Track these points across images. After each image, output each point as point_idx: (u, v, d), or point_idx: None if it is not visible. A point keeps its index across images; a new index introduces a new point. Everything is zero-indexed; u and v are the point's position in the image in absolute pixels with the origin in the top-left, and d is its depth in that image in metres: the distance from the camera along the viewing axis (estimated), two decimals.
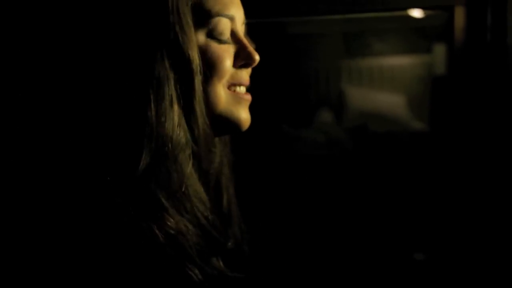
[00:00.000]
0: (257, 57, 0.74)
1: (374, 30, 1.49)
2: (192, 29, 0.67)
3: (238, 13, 0.74)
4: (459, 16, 1.16)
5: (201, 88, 0.68)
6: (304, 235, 1.56)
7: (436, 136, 1.48)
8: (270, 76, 1.56)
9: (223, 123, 0.73)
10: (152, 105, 0.63)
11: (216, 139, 0.83)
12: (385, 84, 1.59)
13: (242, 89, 0.76)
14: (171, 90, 0.65)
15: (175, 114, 0.65)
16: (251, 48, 0.74)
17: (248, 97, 0.76)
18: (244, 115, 0.74)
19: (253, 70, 0.81)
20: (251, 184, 1.57)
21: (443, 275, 1.44)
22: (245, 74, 0.76)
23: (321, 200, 1.59)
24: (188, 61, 0.66)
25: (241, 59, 0.74)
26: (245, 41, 0.74)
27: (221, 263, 0.72)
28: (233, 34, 0.74)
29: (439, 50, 1.37)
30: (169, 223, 0.63)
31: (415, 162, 1.56)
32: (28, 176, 0.66)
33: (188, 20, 0.67)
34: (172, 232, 0.63)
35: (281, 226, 1.55)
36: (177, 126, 0.65)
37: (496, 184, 1.24)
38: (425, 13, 1.35)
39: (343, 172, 1.64)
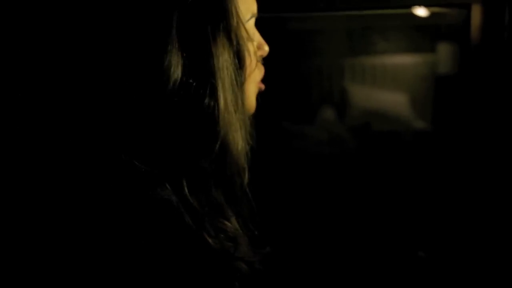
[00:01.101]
0: (267, 48, 0.75)
1: (379, 28, 1.48)
2: (245, 28, 0.65)
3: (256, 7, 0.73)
4: (476, 14, 1.15)
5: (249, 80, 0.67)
6: (308, 232, 1.55)
7: (439, 135, 1.48)
8: (273, 73, 1.54)
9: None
10: (221, 111, 0.60)
11: None
12: (389, 83, 1.59)
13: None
14: (232, 84, 0.63)
15: (236, 115, 0.63)
16: (262, 40, 0.74)
17: (263, 86, 0.76)
18: (254, 101, 0.74)
19: None
20: (253, 181, 1.56)
21: (445, 273, 1.45)
22: (260, 65, 0.75)
23: (324, 198, 1.58)
24: (244, 55, 0.64)
25: (257, 52, 0.73)
26: (258, 34, 0.74)
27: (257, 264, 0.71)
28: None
29: (447, 49, 1.37)
30: (226, 226, 0.63)
31: (418, 161, 1.56)
32: (70, 174, 0.63)
33: (241, 18, 0.65)
34: (230, 234, 0.62)
35: (285, 224, 1.53)
36: (237, 128, 0.63)
37: (499, 184, 1.25)
38: (431, 11, 1.35)
39: (346, 170, 1.63)
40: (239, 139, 0.63)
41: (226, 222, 0.63)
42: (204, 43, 0.60)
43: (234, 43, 0.63)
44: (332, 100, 1.66)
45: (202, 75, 0.60)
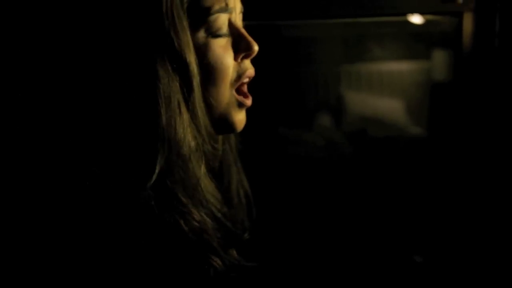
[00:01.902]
0: (256, 47, 0.75)
1: (374, 35, 1.50)
2: (188, 32, 0.67)
3: (236, 3, 0.75)
4: (468, 22, 1.17)
5: (200, 89, 0.69)
6: (303, 238, 1.56)
7: (435, 142, 1.50)
8: (269, 79, 1.56)
9: (220, 124, 0.75)
10: (162, 111, 0.64)
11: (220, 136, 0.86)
12: (383, 89, 1.60)
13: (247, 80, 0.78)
14: (177, 94, 0.65)
15: (184, 117, 0.66)
16: (249, 38, 0.75)
17: (249, 102, 0.78)
18: (241, 117, 0.77)
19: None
20: (250, 187, 1.57)
21: (442, 278, 1.45)
22: (248, 64, 0.77)
23: (320, 204, 1.59)
24: (185, 65, 0.66)
25: (242, 50, 0.75)
26: (243, 31, 0.75)
27: (235, 253, 0.75)
28: (231, 25, 0.74)
29: (442, 56, 1.38)
30: (193, 216, 0.65)
31: (414, 167, 1.57)
32: (53, 179, 0.66)
33: (184, 23, 0.67)
34: (196, 224, 0.65)
35: (280, 229, 1.54)
36: (187, 129, 0.66)
37: (495, 189, 1.26)
38: (425, 19, 1.36)
39: (342, 176, 1.64)
40: (188, 137, 0.67)
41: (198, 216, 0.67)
42: (141, 61, 0.65)
43: (173, 58, 0.66)
44: (328, 106, 1.67)
45: (145, 93, 0.64)
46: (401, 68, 1.52)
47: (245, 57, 0.76)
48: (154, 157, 0.63)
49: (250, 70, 0.77)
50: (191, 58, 0.67)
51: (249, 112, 0.81)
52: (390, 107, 1.60)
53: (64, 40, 0.69)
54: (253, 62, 0.79)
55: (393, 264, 1.54)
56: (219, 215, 0.73)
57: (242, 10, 0.78)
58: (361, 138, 1.64)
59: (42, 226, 0.62)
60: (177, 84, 0.66)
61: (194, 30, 0.69)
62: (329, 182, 1.62)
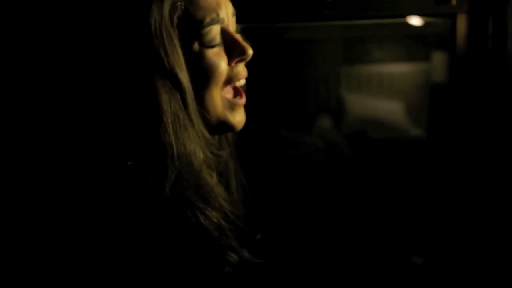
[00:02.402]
0: (250, 51, 0.77)
1: (373, 37, 1.51)
2: (179, 49, 0.70)
3: (228, 10, 0.76)
4: (461, 23, 1.18)
5: (194, 103, 0.71)
6: (303, 240, 1.57)
7: (434, 143, 1.50)
8: (269, 81, 1.57)
9: (219, 126, 0.77)
10: (168, 128, 0.67)
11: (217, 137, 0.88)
12: (385, 91, 1.61)
13: (242, 82, 0.80)
14: (179, 109, 0.69)
15: (189, 131, 0.69)
16: (243, 42, 0.76)
17: (243, 101, 0.80)
18: (238, 118, 0.79)
19: (253, 75, 0.83)
20: (250, 189, 1.58)
21: (441, 279, 1.45)
22: (241, 68, 0.79)
23: (319, 205, 1.60)
24: (178, 83, 0.69)
25: (235, 56, 0.76)
26: (236, 36, 0.76)
27: (247, 252, 0.77)
28: (224, 32, 0.75)
29: (439, 58, 1.39)
30: (210, 217, 0.68)
31: (413, 168, 1.58)
32: (66, 179, 0.69)
33: (174, 41, 0.69)
34: (213, 224, 0.68)
35: (280, 231, 1.55)
36: (193, 140, 0.70)
37: (494, 190, 1.26)
38: (424, 21, 1.37)
39: (342, 177, 1.64)
40: (196, 150, 0.69)
41: (214, 213, 0.70)
42: (139, 81, 0.68)
43: (167, 76, 0.69)
44: (328, 108, 1.68)
45: (150, 113, 0.68)
46: (396, 69, 1.52)
47: (240, 61, 0.78)
48: (165, 171, 0.65)
49: (242, 73, 0.79)
50: (182, 76, 0.69)
51: (250, 114, 0.82)
52: (387, 108, 1.61)
53: (66, 58, 0.72)
54: (253, 64, 0.80)
55: (393, 265, 1.54)
56: (232, 217, 0.75)
57: (235, 13, 0.79)
58: (361, 139, 1.65)
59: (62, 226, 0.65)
60: (179, 100, 0.69)
61: (187, 44, 0.71)
62: (329, 183, 1.63)
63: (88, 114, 0.71)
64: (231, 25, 0.78)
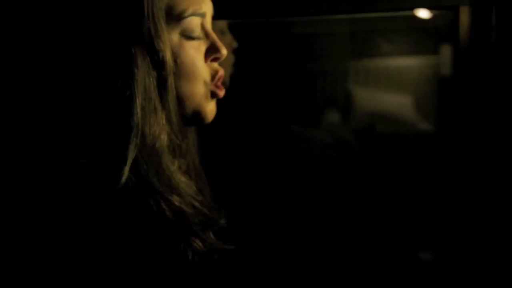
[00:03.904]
0: (224, 51, 0.81)
1: (380, 30, 1.49)
2: (166, 32, 0.72)
3: (208, 7, 0.80)
4: (464, 16, 1.16)
5: (174, 86, 0.73)
6: (310, 235, 1.57)
7: (443, 137, 1.48)
8: (276, 76, 1.57)
9: (192, 117, 0.80)
10: (138, 107, 0.68)
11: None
12: (392, 85, 1.59)
13: (221, 77, 0.82)
14: (153, 91, 0.70)
15: (159, 114, 0.70)
16: (219, 42, 0.80)
17: (222, 92, 0.83)
18: (210, 108, 0.81)
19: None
20: (258, 183, 1.59)
21: (450, 276, 1.43)
22: (217, 66, 0.82)
23: (327, 200, 1.60)
24: (163, 62, 0.71)
25: (211, 54, 0.80)
26: (213, 35, 0.80)
27: (213, 237, 0.78)
28: (203, 29, 0.79)
29: (446, 51, 1.37)
30: (171, 201, 0.69)
31: (422, 162, 1.56)
32: (23, 173, 0.70)
33: (162, 23, 0.71)
34: (174, 209, 0.69)
35: (287, 226, 1.56)
36: (161, 125, 0.70)
37: (504, 184, 1.24)
38: (432, 13, 1.35)
39: (350, 172, 1.64)
40: (162, 134, 0.70)
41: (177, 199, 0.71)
42: (121, 57, 0.68)
43: (151, 56, 0.70)
44: (336, 102, 1.67)
45: (123, 88, 0.67)
46: (404, 63, 1.50)
47: (214, 60, 0.81)
48: (127, 148, 0.66)
49: (220, 72, 0.82)
50: (169, 56, 0.71)
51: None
52: (395, 102, 1.59)
53: (47, 31, 0.73)
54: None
55: (400, 261, 1.53)
56: (196, 203, 0.76)
57: (213, 14, 0.83)
58: (369, 133, 1.64)
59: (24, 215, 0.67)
60: (154, 81, 0.70)
61: (169, 32, 0.73)
62: (337, 178, 1.62)
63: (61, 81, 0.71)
64: (209, 24, 0.81)
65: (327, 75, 1.64)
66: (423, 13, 1.36)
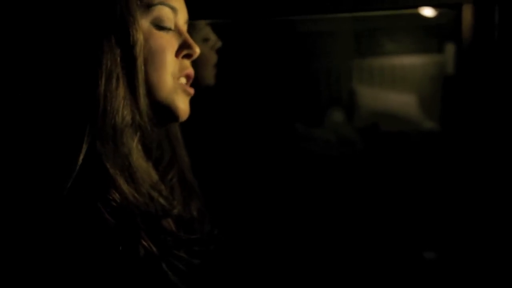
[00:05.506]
0: (197, 49, 0.81)
1: (384, 29, 1.49)
2: (137, 13, 0.73)
3: (180, 7, 0.81)
4: (467, 14, 1.15)
5: (143, 69, 0.73)
6: (314, 233, 1.57)
7: (446, 135, 1.47)
8: (280, 75, 1.58)
9: (162, 111, 0.79)
10: (101, 83, 0.68)
11: (165, 133, 0.90)
12: (397, 84, 1.59)
13: (183, 80, 0.82)
14: (118, 69, 0.70)
15: (121, 92, 0.70)
16: (191, 40, 0.81)
17: (191, 90, 0.82)
18: (182, 106, 0.80)
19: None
20: (262, 182, 1.59)
21: (454, 275, 1.43)
22: (188, 64, 0.83)
23: (331, 199, 1.60)
24: (133, 41, 0.71)
25: (183, 49, 0.80)
26: (186, 34, 0.81)
27: (173, 226, 0.77)
28: (176, 27, 0.80)
29: (449, 49, 1.37)
30: (114, 197, 0.66)
31: (426, 161, 1.56)
32: None
33: (135, 6, 0.72)
34: (119, 201, 0.66)
35: (291, 224, 1.56)
36: (123, 103, 0.70)
37: (508, 182, 1.23)
38: (435, 11, 1.35)
39: (354, 171, 1.64)
40: (125, 112, 0.70)
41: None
42: (88, 34, 0.69)
43: (120, 34, 0.71)
44: (340, 101, 1.68)
45: (87, 65, 0.69)
46: (408, 62, 1.51)
47: (186, 57, 0.82)
48: (85, 125, 0.66)
49: (189, 70, 0.82)
50: (139, 36, 0.72)
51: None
52: (399, 101, 1.59)
53: (19, 12, 0.73)
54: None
55: (404, 260, 1.53)
56: (152, 192, 0.74)
57: (187, 22, 0.84)
58: (373, 132, 1.64)
59: None
60: (119, 58, 0.70)
61: (140, 18, 0.74)
62: (342, 176, 1.62)
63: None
64: (184, 27, 0.83)
65: (331, 73, 1.65)
66: (427, 12, 1.36)
